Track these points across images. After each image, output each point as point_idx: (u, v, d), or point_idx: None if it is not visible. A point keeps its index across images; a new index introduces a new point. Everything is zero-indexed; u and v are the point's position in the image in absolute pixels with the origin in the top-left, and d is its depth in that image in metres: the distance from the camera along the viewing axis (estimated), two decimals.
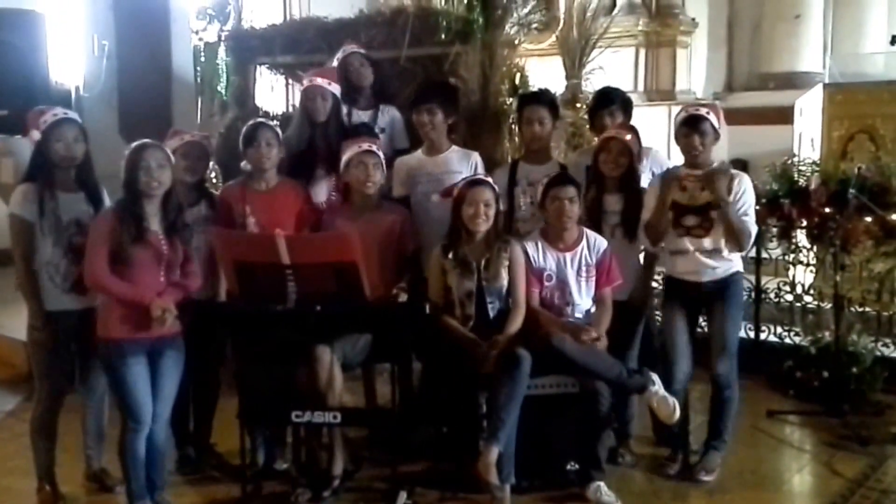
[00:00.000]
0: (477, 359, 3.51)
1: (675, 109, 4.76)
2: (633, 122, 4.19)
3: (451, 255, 3.65)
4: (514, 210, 4.03)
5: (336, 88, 4.16)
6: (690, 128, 3.66)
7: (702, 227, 3.66)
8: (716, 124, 3.68)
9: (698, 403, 3.91)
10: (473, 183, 3.68)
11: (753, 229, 3.71)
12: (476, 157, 4.11)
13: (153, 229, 3.23)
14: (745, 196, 3.65)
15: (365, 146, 3.77)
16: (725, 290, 3.70)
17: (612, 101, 4.16)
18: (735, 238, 3.65)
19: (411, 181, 4.11)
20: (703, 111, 3.68)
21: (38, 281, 3.38)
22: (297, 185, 3.92)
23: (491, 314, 3.63)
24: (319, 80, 4.13)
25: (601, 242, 3.74)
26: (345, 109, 4.32)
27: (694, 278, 3.71)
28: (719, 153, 3.75)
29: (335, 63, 4.42)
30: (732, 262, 3.72)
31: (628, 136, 3.85)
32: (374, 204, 3.83)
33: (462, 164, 4.04)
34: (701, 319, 3.87)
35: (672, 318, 3.78)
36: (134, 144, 3.26)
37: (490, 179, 3.74)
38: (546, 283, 3.72)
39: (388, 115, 4.45)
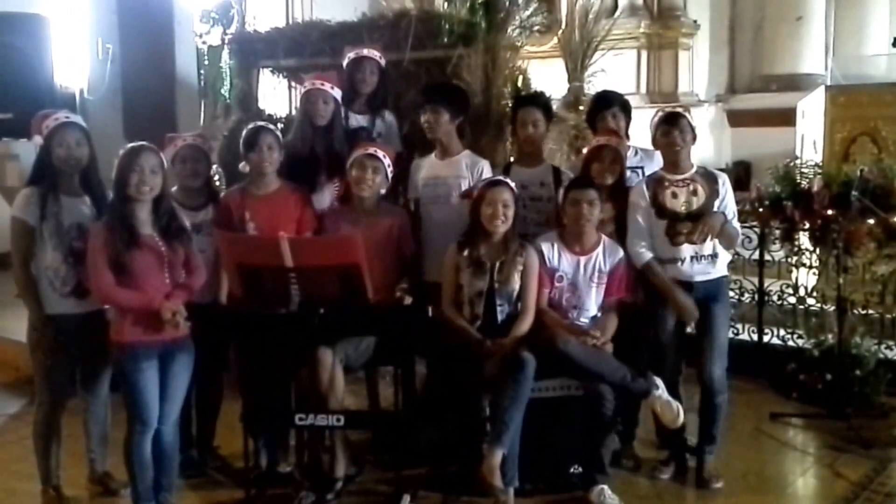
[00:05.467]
0: (477, 353, 3.50)
1: None
2: (633, 124, 4.20)
3: (466, 253, 3.65)
4: None
5: (338, 93, 4.13)
6: (670, 125, 3.68)
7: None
8: (693, 124, 3.72)
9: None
10: (493, 183, 3.67)
11: (739, 228, 3.80)
12: (484, 164, 4.05)
13: (147, 233, 3.21)
14: (728, 198, 3.70)
15: (371, 150, 3.76)
16: (716, 293, 3.71)
17: (612, 103, 4.16)
18: (728, 242, 3.70)
19: (421, 183, 4.08)
20: (679, 110, 3.76)
21: (38, 284, 3.38)
22: (297, 190, 3.90)
23: (499, 317, 3.63)
24: (320, 84, 4.12)
25: (618, 252, 3.72)
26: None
27: (687, 280, 3.70)
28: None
29: (346, 62, 4.41)
30: (723, 266, 3.74)
31: (618, 142, 3.85)
32: (372, 206, 3.81)
33: (471, 169, 4.00)
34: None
35: (663, 320, 3.74)
36: (129, 146, 3.24)
37: (509, 181, 3.71)
38: (556, 284, 3.71)
39: (385, 121, 4.43)
